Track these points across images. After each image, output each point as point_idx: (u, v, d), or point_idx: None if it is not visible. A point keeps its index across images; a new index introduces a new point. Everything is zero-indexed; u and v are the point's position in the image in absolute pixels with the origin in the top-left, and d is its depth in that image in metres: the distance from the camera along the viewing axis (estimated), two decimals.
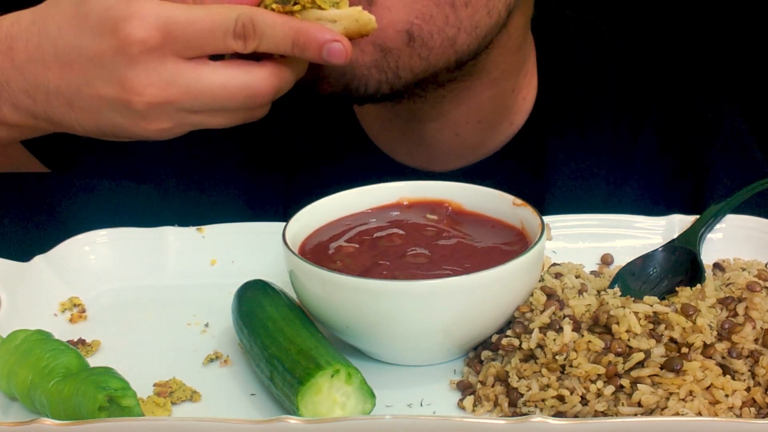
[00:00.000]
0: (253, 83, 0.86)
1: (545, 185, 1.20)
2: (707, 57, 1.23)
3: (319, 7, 0.87)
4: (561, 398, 0.79)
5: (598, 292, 0.89)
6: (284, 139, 1.23)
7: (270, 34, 0.85)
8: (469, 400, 0.83)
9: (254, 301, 0.89)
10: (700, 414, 0.76)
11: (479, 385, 0.84)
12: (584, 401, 0.79)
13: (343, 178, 1.03)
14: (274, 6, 0.86)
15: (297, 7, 0.86)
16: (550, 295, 0.87)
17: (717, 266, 0.96)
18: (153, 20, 0.83)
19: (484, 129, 1.17)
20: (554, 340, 0.81)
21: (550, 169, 1.20)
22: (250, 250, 1.04)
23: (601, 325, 0.82)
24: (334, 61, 0.85)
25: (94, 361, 0.86)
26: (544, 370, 0.81)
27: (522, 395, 0.81)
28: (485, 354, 0.87)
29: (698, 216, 1.01)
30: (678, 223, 1.02)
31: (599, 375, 0.79)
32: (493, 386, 0.84)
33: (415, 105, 1.10)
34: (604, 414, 0.78)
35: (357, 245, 0.91)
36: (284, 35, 0.85)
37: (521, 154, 1.20)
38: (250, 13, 0.85)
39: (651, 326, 0.81)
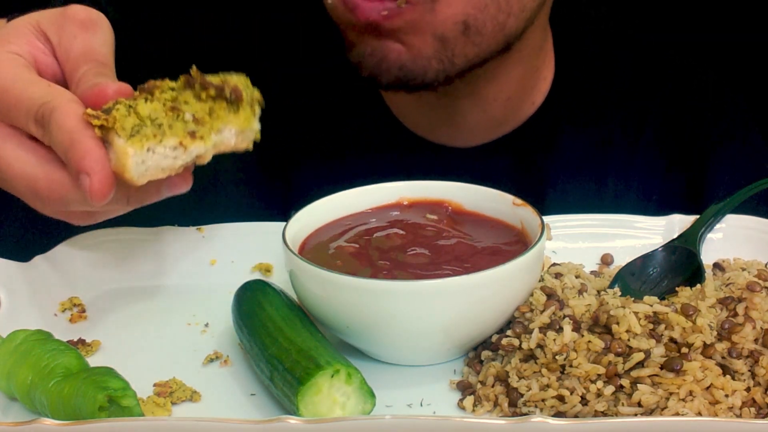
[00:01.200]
0: (36, 178, 0.81)
1: (557, 165, 1.22)
2: (716, 51, 1.25)
3: (117, 133, 0.78)
4: (561, 398, 0.79)
5: (598, 292, 0.89)
6: (307, 113, 1.24)
7: (55, 134, 0.78)
8: (469, 400, 0.83)
9: (254, 301, 0.89)
10: (700, 414, 0.76)
11: (479, 385, 0.84)
12: (584, 401, 0.79)
13: (366, 152, 1.07)
14: (89, 111, 0.78)
15: (97, 122, 0.77)
16: (550, 295, 0.87)
17: (717, 266, 0.96)
18: None
19: (510, 106, 1.20)
20: (554, 340, 0.81)
21: (563, 149, 1.22)
22: (250, 250, 1.04)
23: (601, 325, 0.82)
24: (85, 192, 0.77)
25: (94, 361, 0.86)
26: (544, 370, 0.81)
27: (522, 395, 0.81)
28: (485, 354, 0.87)
29: (698, 216, 1.01)
30: (678, 223, 1.02)
31: (599, 375, 0.79)
32: (493, 386, 0.84)
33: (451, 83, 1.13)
34: (604, 414, 0.78)
35: (357, 245, 0.91)
36: (61, 142, 0.78)
37: (538, 133, 1.22)
38: (57, 104, 0.79)
39: (651, 326, 0.81)
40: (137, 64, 1.09)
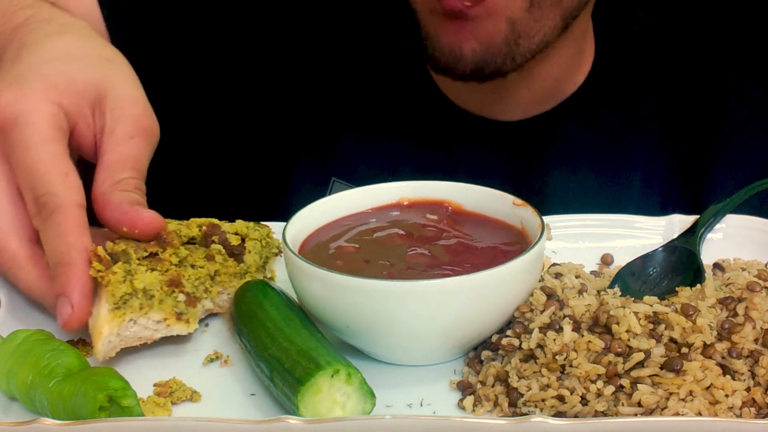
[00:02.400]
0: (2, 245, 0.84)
1: (594, 142, 1.25)
2: (740, 46, 1.27)
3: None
4: (561, 398, 0.79)
5: (598, 292, 0.89)
6: (354, 86, 1.27)
7: (52, 235, 0.80)
8: (469, 400, 0.83)
9: (254, 301, 0.89)
10: (700, 414, 0.76)
11: (479, 385, 0.84)
12: (584, 401, 0.79)
13: (411, 125, 1.14)
14: (100, 251, 0.81)
15: (97, 267, 0.80)
16: (550, 295, 0.87)
17: (717, 266, 0.96)
18: (10, 111, 0.84)
19: (556, 84, 1.23)
20: (554, 340, 0.81)
21: (598, 129, 1.25)
22: None
23: (601, 325, 0.82)
24: (59, 317, 0.82)
25: (94, 361, 0.86)
26: (544, 370, 0.81)
27: (522, 395, 0.81)
28: (485, 354, 0.87)
29: (698, 216, 1.01)
30: (678, 223, 1.02)
31: (599, 375, 0.79)
32: (493, 386, 0.84)
33: None
34: (604, 414, 0.78)
35: (357, 245, 0.91)
36: (57, 250, 0.80)
37: (578, 110, 1.25)
38: (63, 203, 0.80)
39: (651, 326, 0.81)
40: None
